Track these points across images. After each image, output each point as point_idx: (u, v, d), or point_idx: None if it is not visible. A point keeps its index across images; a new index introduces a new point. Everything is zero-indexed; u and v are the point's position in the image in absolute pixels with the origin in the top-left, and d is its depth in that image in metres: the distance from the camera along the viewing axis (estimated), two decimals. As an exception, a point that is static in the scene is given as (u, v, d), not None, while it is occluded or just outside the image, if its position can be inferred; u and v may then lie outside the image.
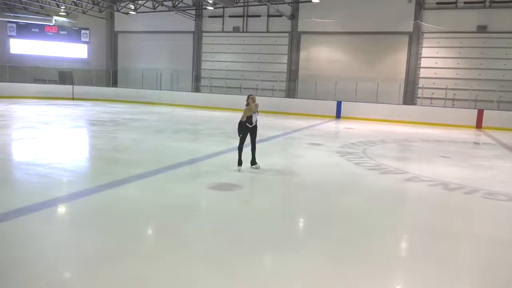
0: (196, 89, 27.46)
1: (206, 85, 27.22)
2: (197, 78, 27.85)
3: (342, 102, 21.68)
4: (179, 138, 11.78)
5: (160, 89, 26.84)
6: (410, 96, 22.92)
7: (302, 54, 25.36)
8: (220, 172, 7.55)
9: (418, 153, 11.55)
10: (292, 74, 25.48)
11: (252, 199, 6.19)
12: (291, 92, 25.22)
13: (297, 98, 24.16)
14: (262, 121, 19.39)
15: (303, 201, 6.10)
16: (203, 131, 14.06)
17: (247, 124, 7.55)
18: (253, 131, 7.69)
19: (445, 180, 7.65)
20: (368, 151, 10.85)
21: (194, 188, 6.48)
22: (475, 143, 14.68)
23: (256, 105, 7.64)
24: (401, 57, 23.15)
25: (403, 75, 23.10)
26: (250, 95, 7.67)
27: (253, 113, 7.57)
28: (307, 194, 6.43)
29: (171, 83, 27.19)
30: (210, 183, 6.60)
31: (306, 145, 11.50)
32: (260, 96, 24.60)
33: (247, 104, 7.53)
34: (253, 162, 7.84)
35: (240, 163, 7.65)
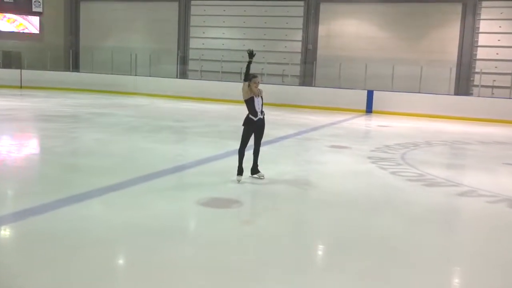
0: (183, 74, 27.51)
1: (195, 69, 27.28)
2: (183, 60, 27.90)
3: (375, 91, 21.66)
4: (160, 139, 11.79)
5: (135, 75, 26.91)
6: (464, 84, 22.87)
7: (322, 29, 25.37)
8: (213, 183, 7.53)
9: (475, 159, 11.48)
10: (309, 55, 25.48)
11: (255, 220, 6.16)
12: (307, 78, 25.21)
13: (315, 86, 24.14)
14: (269, 117, 19.19)
15: (322, 222, 6.06)
16: (191, 130, 14.05)
17: (251, 117, 7.52)
18: (259, 129, 7.66)
19: (510, 195, 7.61)
20: (409, 156, 10.80)
21: (179, 204, 6.46)
22: (550, 146, 14.59)
23: (260, 91, 7.61)
24: (453, 33, 23.11)
25: (454, 56, 23.06)
26: (254, 76, 7.53)
27: (256, 96, 7.51)
28: (328, 213, 6.40)
29: (149, 67, 27.25)
30: (201, 198, 6.58)
31: (326, 148, 11.47)
32: (266, 83, 24.57)
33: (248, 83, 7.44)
34: (255, 169, 7.83)
35: (240, 171, 7.61)
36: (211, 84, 24.67)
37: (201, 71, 27.01)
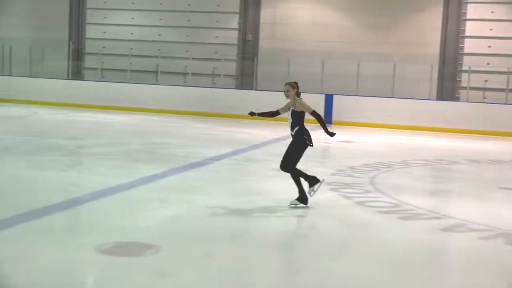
0: (77, 74, 27.03)
1: (94, 67, 26.85)
2: (77, 54, 27.43)
3: (335, 96, 21.99)
4: (46, 164, 11.56)
5: (9, 75, 26.23)
6: (448, 86, 23.52)
7: (265, 14, 25.56)
8: (119, 223, 7.43)
9: (464, 183, 11.86)
10: (248, 48, 25.59)
11: (178, 272, 6.10)
12: (246, 79, 25.29)
13: (256, 89, 24.23)
14: (195, 130, 19.36)
15: (268, 272, 6.08)
16: (89, 150, 13.81)
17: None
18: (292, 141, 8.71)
19: (508, 229, 7.88)
20: (380, 180, 11.04)
21: (71, 253, 6.31)
22: (557, 164, 15.30)
23: (292, 103, 8.60)
24: (433, 19, 23.81)
25: (436, 50, 23.70)
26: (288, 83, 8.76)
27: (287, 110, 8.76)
28: (275, 259, 6.42)
29: (29, 64, 26.63)
30: (102, 244, 6.47)
31: (272, 172, 11.51)
32: (191, 86, 24.49)
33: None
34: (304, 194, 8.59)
35: (313, 181, 8.54)
36: (116, 88, 24.35)
37: (102, 69, 26.61)
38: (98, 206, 8.33)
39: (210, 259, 6.36)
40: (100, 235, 6.89)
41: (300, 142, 8.51)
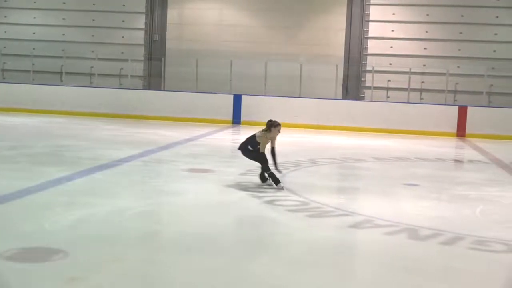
0: (-24, 75, 26.14)
1: (-6, 67, 26.08)
2: (-24, 55, 26.57)
3: (243, 96, 22.19)
4: None
5: None
6: (353, 86, 24.23)
7: (172, 14, 25.55)
8: (24, 228, 7.23)
9: (369, 180, 12.21)
10: (155, 48, 25.50)
11: (88, 277, 6.00)
12: (153, 79, 25.19)
13: (164, 90, 24.17)
14: (103, 132, 19.11)
15: (181, 275, 6.07)
16: (-10, 154, 13.40)
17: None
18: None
19: (412, 224, 8.15)
20: (289, 179, 11.21)
21: (-26, 261, 6.12)
22: (456, 160, 16.01)
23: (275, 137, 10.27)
24: (337, 21, 24.47)
25: (341, 51, 24.38)
26: (278, 124, 10.24)
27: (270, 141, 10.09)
28: (188, 261, 6.42)
29: None
30: (6, 250, 6.28)
31: (182, 172, 11.53)
32: (97, 87, 24.14)
33: (266, 130, 10.10)
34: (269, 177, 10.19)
35: (278, 181, 9.98)
36: (19, 89, 23.71)
37: (3, 70, 25.91)
38: (1, 211, 8.08)
39: (119, 262, 6.28)
40: (4, 241, 6.68)
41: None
